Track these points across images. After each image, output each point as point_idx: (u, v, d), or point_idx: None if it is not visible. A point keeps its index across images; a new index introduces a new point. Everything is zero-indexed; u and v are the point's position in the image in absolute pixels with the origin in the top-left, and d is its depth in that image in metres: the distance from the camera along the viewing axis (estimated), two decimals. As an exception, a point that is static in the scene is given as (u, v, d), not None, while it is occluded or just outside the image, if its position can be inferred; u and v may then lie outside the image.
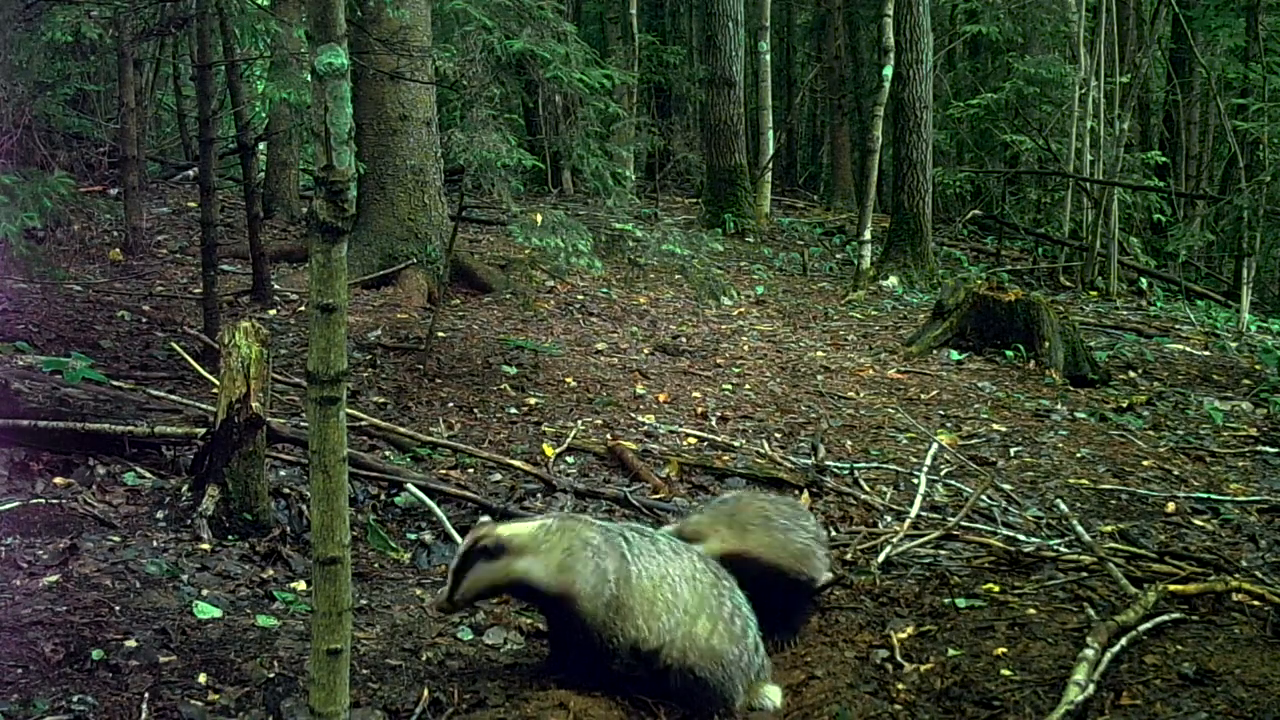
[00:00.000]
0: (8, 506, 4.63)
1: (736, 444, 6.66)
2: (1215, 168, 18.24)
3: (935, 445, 6.66)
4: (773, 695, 3.77)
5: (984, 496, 5.84)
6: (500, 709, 3.53)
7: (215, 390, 4.94)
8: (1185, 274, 15.14)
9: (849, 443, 6.95)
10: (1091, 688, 3.56)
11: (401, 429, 6.08)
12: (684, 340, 9.27)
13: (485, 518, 4.16)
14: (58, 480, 5.01)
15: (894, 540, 5.20)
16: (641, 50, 17.88)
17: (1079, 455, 6.91)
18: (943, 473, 6.45)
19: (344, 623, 2.69)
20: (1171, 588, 4.21)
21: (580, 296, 10.38)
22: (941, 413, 7.76)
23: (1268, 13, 15.80)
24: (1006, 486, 6.11)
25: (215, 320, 7.13)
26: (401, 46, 7.78)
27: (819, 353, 9.24)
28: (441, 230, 9.68)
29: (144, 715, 3.27)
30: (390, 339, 8.21)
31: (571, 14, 18.17)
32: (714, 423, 7.15)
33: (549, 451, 6.17)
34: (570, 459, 6.21)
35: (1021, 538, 5.33)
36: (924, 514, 5.66)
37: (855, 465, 6.43)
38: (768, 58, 17.62)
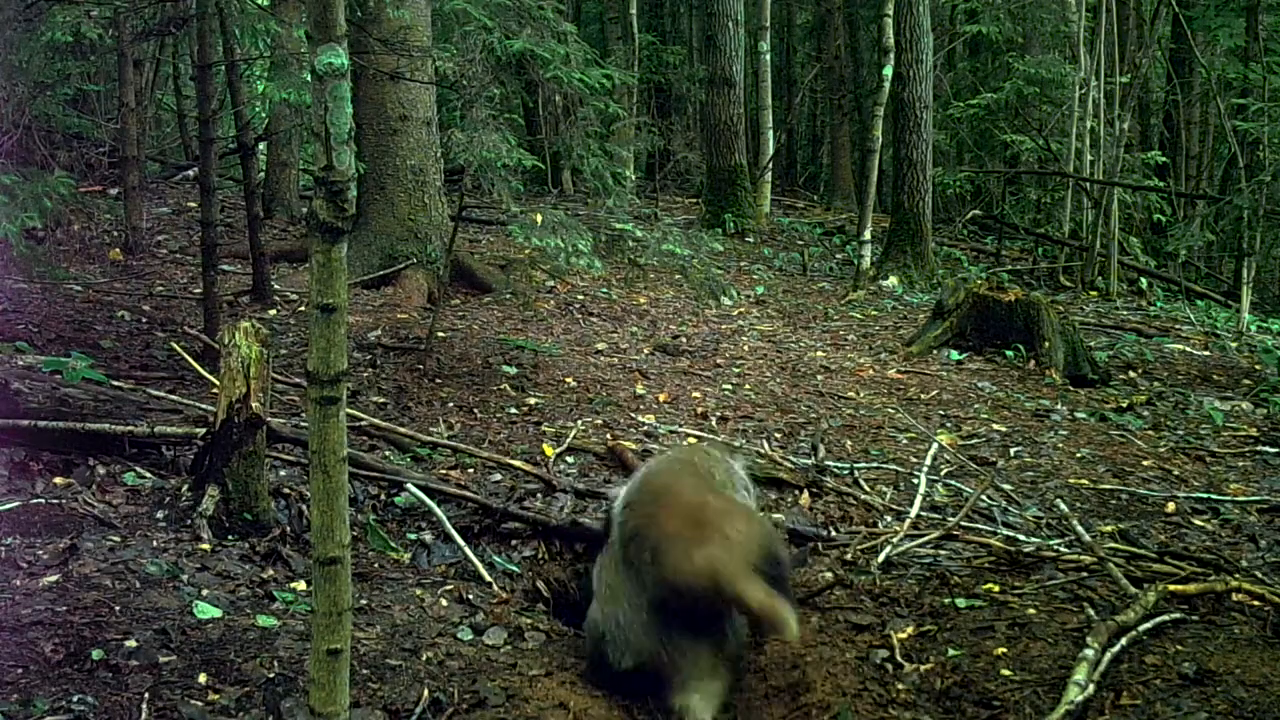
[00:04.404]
0: (8, 506, 4.63)
1: (736, 444, 6.66)
2: (1215, 168, 18.23)
3: (935, 445, 6.66)
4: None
5: (984, 496, 5.83)
6: (500, 709, 3.54)
7: (215, 390, 4.94)
8: (1185, 274, 15.11)
9: (849, 443, 6.95)
10: (1091, 688, 3.56)
11: (401, 429, 6.08)
12: (684, 340, 9.27)
13: None
14: (58, 480, 5.00)
15: (894, 540, 5.20)
16: (641, 50, 17.87)
17: (1079, 455, 6.91)
18: (943, 473, 6.44)
19: (344, 623, 2.69)
20: (1171, 588, 4.21)
21: (580, 296, 10.37)
22: (941, 413, 7.75)
23: (1268, 13, 15.78)
24: (1006, 486, 6.11)
25: (215, 320, 7.13)
26: (401, 46, 7.77)
27: (819, 353, 9.24)
28: (441, 230, 9.68)
29: (144, 715, 3.27)
30: (390, 339, 8.21)
31: (571, 14, 18.20)
32: (714, 423, 7.14)
33: (549, 451, 6.17)
34: (570, 459, 6.21)
35: (1021, 538, 5.33)
36: (924, 514, 5.66)
37: (855, 465, 6.42)
38: (768, 58, 17.61)
